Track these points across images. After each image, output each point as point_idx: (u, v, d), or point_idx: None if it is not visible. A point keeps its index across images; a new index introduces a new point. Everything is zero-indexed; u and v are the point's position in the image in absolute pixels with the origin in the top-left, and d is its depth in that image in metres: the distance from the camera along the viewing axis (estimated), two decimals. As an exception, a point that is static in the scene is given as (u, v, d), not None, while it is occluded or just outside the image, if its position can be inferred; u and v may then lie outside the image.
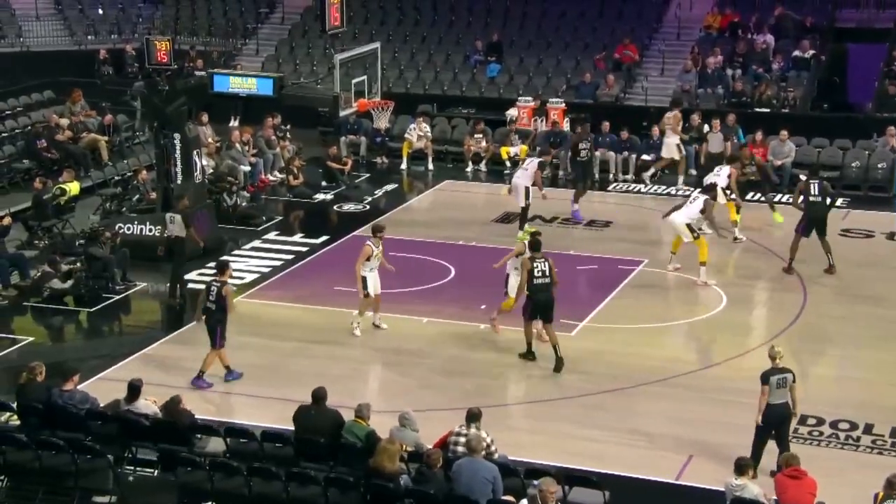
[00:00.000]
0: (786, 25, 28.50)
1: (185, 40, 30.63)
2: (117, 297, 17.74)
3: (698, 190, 19.12)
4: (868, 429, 13.34)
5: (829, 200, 18.40)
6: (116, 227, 19.23)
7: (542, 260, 15.00)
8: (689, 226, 17.93)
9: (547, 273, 14.92)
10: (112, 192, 22.23)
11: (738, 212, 20.16)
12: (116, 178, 23.16)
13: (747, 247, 19.87)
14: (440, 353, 15.84)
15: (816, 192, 18.16)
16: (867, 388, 14.61)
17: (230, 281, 15.17)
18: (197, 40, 31.43)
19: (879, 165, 23.21)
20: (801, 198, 18.32)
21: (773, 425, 12.08)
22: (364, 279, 15.86)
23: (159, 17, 33.13)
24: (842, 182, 23.35)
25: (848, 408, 13.80)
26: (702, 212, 18.05)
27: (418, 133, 25.30)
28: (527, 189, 20.12)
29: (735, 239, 19.99)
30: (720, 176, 19.81)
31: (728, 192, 19.81)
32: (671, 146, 23.63)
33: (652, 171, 24.00)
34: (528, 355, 15.19)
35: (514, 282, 15.69)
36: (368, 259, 15.88)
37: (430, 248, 19.77)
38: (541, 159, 20.97)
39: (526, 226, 20.12)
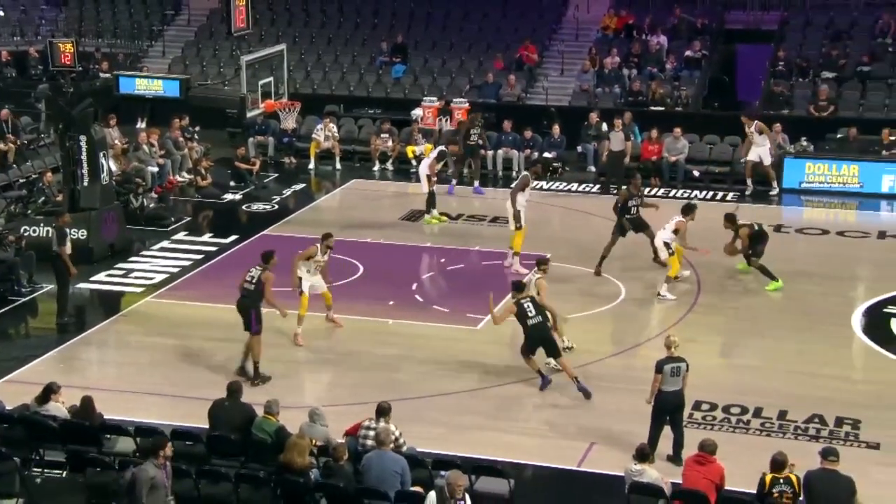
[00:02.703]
0: (680, 27, 29.07)
1: (89, 42, 30.00)
2: (23, 300, 17.33)
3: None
4: (757, 412, 13.71)
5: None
6: (22, 230, 18.77)
7: (528, 299, 14.28)
8: (665, 243, 17.55)
9: (535, 312, 14.12)
10: (17, 194, 21.65)
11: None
12: (22, 180, 22.59)
13: (639, 239, 20.14)
14: (349, 348, 15.81)
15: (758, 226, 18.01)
16: (756, 374, 15.01)
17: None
18: (102, 42, 30.85)
19: (765, 163, 23.76)
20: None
21: (667, 411, 12.35)
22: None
23: (63, 20, 32.41)
24: (732, 177, 23.94)
25: (739, 393, 14.16)
26: (675, 232, 17.55)
27: (325, 133, 25.20)
28: (427, 177, 20.78)
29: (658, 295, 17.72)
30: (666, 230, 17.85)
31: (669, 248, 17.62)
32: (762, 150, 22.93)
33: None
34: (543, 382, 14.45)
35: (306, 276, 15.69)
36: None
37: (339, 246, 19.63)
38: (441, 148, 21.57)
39: (434, 210, 20.45)
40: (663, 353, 12.50)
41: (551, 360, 14.45)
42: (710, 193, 23.45)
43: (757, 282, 18.32)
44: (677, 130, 24.20)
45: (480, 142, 23.37)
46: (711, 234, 18.74)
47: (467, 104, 25.36)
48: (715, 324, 16.80)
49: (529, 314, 14.14)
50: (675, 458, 12.22)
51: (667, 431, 12.41)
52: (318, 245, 15.76)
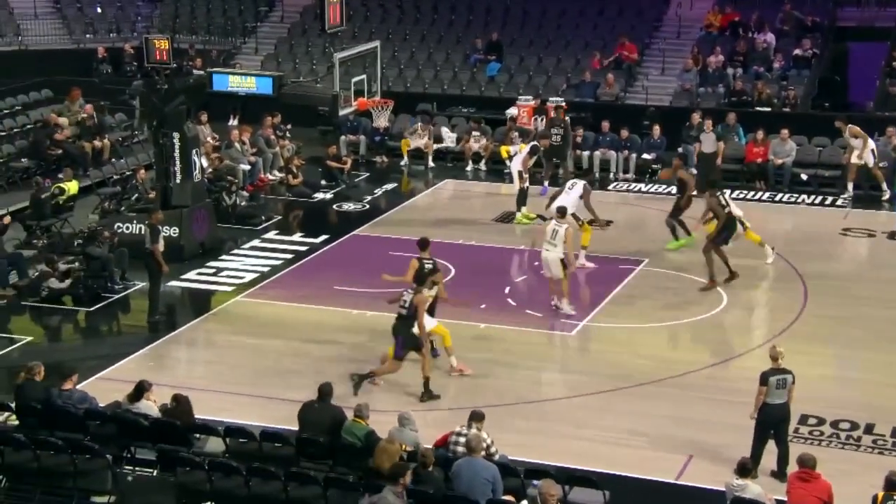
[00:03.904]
0: (788, 24, 28.51)
1: (183, 39, 30.61)
2: (116, 297, 17.73)
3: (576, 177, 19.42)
4: (869, 429, 13.34)
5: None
6: (115, 227, 19.23)
7: (430, 260, 14.68)
8: (573, 214, 18.19)
9: (406, 305, 14.14)
10: (111, 191, 22.22)
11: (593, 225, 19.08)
12: (115, 177, 23.16)
13: (747, 246, 19.82)
14: (442, 352, 15.82)
15: (726, 203, 17.71)
16: (868, 388, 14.61)
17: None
18: (196, 39, 31.43)
19: (880, 164, 23.14)
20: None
21: (771, 425, 12.10)
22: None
23: (158, 16, 33.15)
24: (842, 181, 23.35)
25: (849, 408, 13.80)
26: (581, 197, 18.34)
27: (419, 134, 25.34)
28: (519, 173, 20.77)
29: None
30: (572, 191, 18.61)
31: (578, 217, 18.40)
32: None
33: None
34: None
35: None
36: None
37: (431, 247, 19.71)
38: (534, 143, 21.48)
39: (524, 209, 20.30)
40: (768, 364, 12.24)
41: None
42: (820, 198, 22.93)
43: (872, 290, 17.86)
44: (785, 132, 23.72)
45: (563, 141, 23.07)
46: (818, 239, 18.40)
47: (564, 103, 25.21)
48: (823, 334, 16.39)
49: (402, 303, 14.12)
50: (779, 473, 11.97)
51: (771, 446, 12.15)
52: (421, 257, 15.27)
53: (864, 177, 22.70)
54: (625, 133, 24.71)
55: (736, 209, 18.21)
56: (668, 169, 21.02)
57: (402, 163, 25.32)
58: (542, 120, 25.19)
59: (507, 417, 13.58)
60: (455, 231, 20.81)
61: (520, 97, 26.10)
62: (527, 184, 20.96)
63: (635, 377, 14.76)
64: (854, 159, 22.45)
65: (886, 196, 22.61)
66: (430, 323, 14.68)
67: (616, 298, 17.57)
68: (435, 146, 25.53)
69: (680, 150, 24.74)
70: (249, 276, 18.64)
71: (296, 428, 12.13)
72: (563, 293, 16.77)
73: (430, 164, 25.33)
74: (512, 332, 16.38)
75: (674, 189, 23.37)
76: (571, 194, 18.47)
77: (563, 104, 24.97)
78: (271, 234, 20.89)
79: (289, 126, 25.49)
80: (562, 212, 17.05)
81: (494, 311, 17.03)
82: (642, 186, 23.92)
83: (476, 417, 11.57)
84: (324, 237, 20.59)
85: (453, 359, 14.87)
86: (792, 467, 11.14)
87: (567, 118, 23.72)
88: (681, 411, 13.85)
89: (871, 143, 22.49)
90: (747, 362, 15.05)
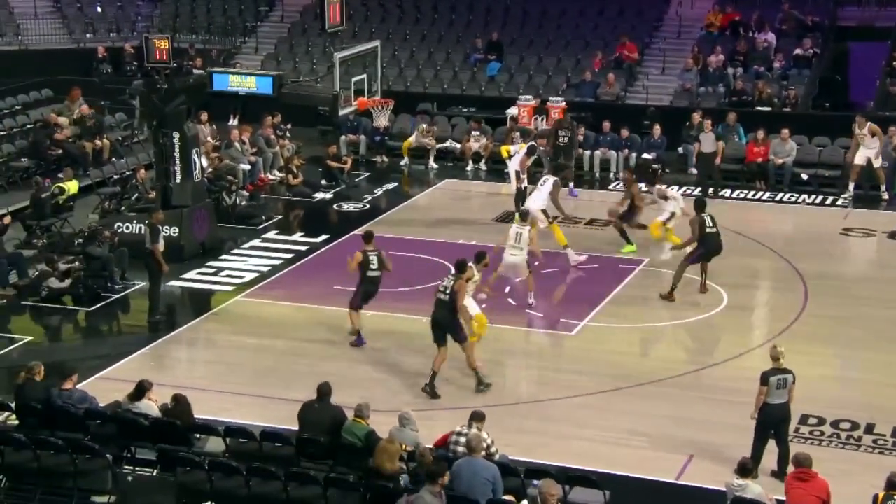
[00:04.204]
0: (788, 24, 28.51)
1: (184, 38, 30.62)
2: (116, 297, 17.74)
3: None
4: (869, 428, 13.35)
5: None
6: (115, 226, 19.23)
7: (452, 279, 14.39)
8: (544, 211, 18.49)
9: (447, 291, 14.21)
10: (111, 191, 22.22)
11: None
12: (115, 177, 23.17)
13: (745, 245, 19.82)
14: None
15: (711, 224, 17.32)
16: (868, 388, 14.62)
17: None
18: (196, 38, 31.43)
19: (875, 165, 23.08)
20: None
21: (772, 425, 12.11)
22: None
23: (158, 16, 33.15)
24: (842, 181, 23.36)
25: (849, 408, 13.81)
26: (550, 194, 18.61)
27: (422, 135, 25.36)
28: (517, 173, 20.83)
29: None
30: (543, 187, 19.06)
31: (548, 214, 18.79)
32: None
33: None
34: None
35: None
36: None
37: (430, 247, 19.78)
38: (532, 143, 21.60)
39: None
40: (768, 363, 12.24)
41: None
42: (820, 198, 22.94)
43: (872, 290, 17.87)
44: (785, 132, 23.72)
45: (570, 143, 23.00)
46: (818, 239, 18.41)
47: (564, 103, 25.21)
48: (824, 334, 16.39)
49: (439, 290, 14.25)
50: (779, 473, 11.97)
51: (771, 446, 12.16)
52: (474, 266, 15.24)
53: (865, 176, 22.70)
54: (625, 132, 24.72)
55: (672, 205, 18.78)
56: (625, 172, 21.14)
57: (402, 162, 25.33)
58: (542, 119, 25.20)
59: (507, 417, 13.59)
60: (455, 231, 20.82)
61: (520, 97, 26.10)
62: (524, 184, 20.90)
63: (635, 377, 14.77)
64: (857, 160, 22.44)
65: (885, 197, 22.60)
66: (473, 308, 14.87)
67: (616, 298, 17.57)
68: (437, 146, 25.55)
69: (680, 149, 24.78)
70: (249, 276, 18.65)
71: (296, 428, 12.14)
72: (530, 288, 17.01)
73: (433, 164, 25.28)
74: (512, 332, 16.39)
75: (674, 189, 23.44)
76: (542, 190, 18.93)
77: (563, 104, 25.00)
78: (271, 234, 20.90)
79: (289, 126, 25.50)
80: (524, 215, 17.11)
81: (494, 311, 17.01)
82: (642, 186, 23.84)
83: (477, 417, 11.58)
84: (324, 237, 20.60)
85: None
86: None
87: (573, 120, 23.67)
88: (681, 411, 13.86)
89: (891, 144, 22.46)
90: (747, 362, 15.05)
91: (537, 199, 18.80)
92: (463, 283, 14.31)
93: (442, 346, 14.31)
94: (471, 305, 14.92)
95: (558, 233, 18.82)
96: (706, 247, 17.24)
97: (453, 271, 14.71)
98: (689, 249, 17.46)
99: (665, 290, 17.34)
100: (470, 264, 14.81)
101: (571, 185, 22.86)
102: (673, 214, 19.11)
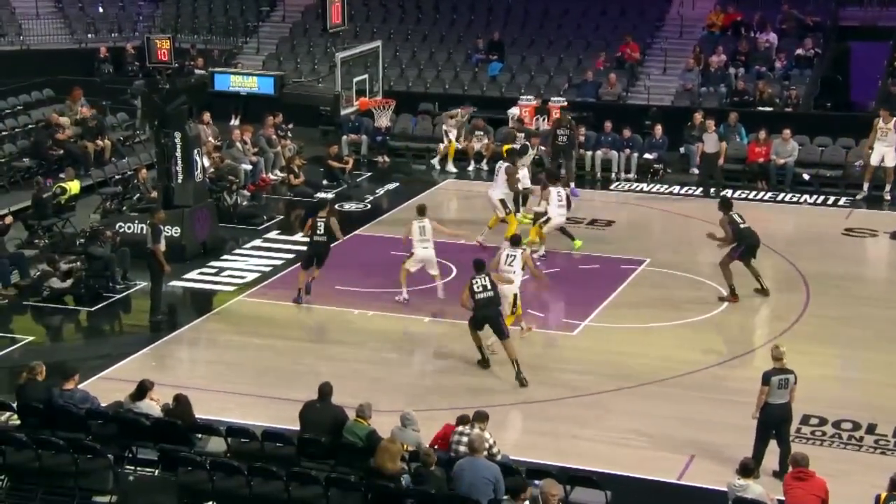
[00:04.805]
0: (788, 24, 28.51)
1: (185, 38, 30.67)
2: (118, 297, 17.74)
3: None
4: (871, 429, 13.34)
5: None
6: (117, 226, 19.25)
7: (484, 276, 14.79)
8: (502, 201, 18.87)
9: (489, 287, 14.71)
10: (112, 190, 22.24)
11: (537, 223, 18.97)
12: (117, 176, 23.18)
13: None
14: (442, 352, 15.85)
15: (742, 220, 17.28)
16: (870, 388, 14.62)
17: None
18: (197, 39, 31.47)
19: (887, 164, 23.09)
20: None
21: (773, 425, 12.11)
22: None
23: (160, 16, 33.19)
24: (845, 181, 23.37)
25: (851, 408, 13.81)
26: (507, 182, 18.95)
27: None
28: (502, 201, 20.38)
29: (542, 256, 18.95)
30: (498, 176, 19.46)
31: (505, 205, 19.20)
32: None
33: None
34: (483, 363, 15.12)
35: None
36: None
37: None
38: (525, 143, 21.84)
39: (522, 209, 20.30)
40: (770, 363, 12.24)
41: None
42: (822, 198, 22.94)
43: (874, 290, 17.86)
44: (787, 132, 23.71)
45: (569, 142, 23.06)
46: (820, 239, 18.40)
47: (565, 103, 25.21)
48: (825, 334, 16.38)
49: (479, 290, 14.65)
50: (781, 473, 11.94)
51: (772, 446, 12.15)
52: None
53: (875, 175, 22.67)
54: (627, 133, 24.71)
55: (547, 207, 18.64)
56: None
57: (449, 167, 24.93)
58: (544, 120, 25.20)
59: (509, 417, 13.59)
60: (456, 231, 20.77)
61: (522, 97, 26.10)
62: (521, 185, 20.71)
63: (637, 377, 14.77)
64: (873, 160, 22.38)
65: (888, 197, 22.58)
66: (512, 288, 15.41)
67: (618, 298, 17.57)
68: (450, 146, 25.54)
69: (682, 150, 24.78)
70: (251, 276, 18.66)
71: (297, 428, 12.14)
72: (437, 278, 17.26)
73: (452, 167, 25.07)
74: (513, 332, 16.37)
75: (676, 189, 23.49)
76: (498, 179, 19.38)
77: (565, 103, 24.99)
78: (273, 234, 20.90)
79: (290, 126, 25.51)
80: (515, 241, 16.26)
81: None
82: (644, 186, 23.91)
83: (479, 418, 11.59)
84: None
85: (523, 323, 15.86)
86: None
87: (572, 119, 23.69)
88: (682, 411, 13.86)
89: None
90: (749, 362, 15.07)
91: (498, 187, 19.23)
92: (497, 275, 15.05)
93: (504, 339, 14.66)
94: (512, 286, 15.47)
95: (513, 225, 18.77)
96: (747, 242, 17.16)
97: (475, 271, 14.91)
98: (725, 249, 17.22)
99: (722, 293, 17.25)
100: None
101: (573, 185, 22.87)
102: (547, 216, 18.92)
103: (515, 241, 16.19)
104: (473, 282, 14.75)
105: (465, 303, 14.87)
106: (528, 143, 22.07)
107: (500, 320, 14.73)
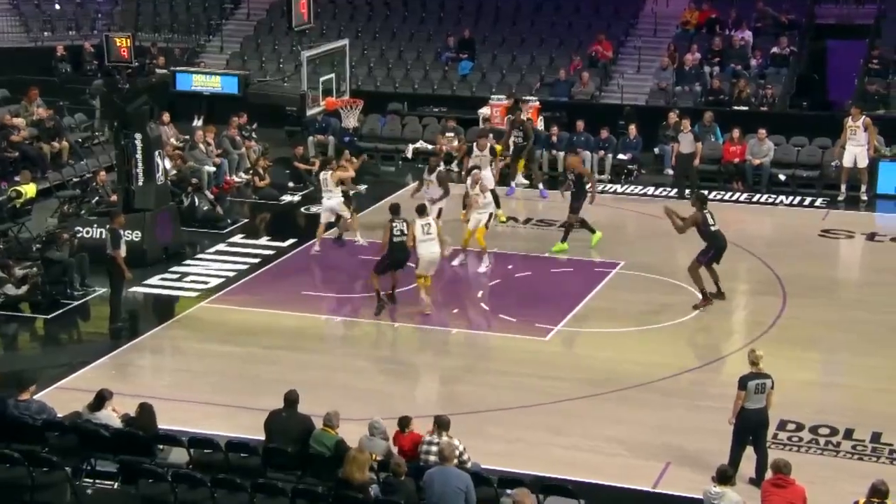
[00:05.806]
0: (765, 22, 28.70)
1: (146, 37, 30.43)
2: (76, 303, 17.60)
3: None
4: (848, 434, 13.43)
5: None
6: (75, 230, 19.10)
7: (402, 220, 16.55)
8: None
9: (405, 231, 16.39)
10: (70, 194, 22.06)
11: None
12: (75, 179, 23.02)
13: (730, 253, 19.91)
14: (411, 358, 15.83)
15: (713, 221, 17.23)
16: (847, 392, 14.73)
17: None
18: (159, 37, 31.27)
19: (860, 165, 23.34)
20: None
21: (750, 430, 12.17)
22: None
23: (119, 13, 32.96)
24: (821, 182, 23.55)
25: (828, 413, 13.90)
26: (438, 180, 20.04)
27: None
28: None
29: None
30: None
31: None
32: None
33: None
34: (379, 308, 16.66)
35: None
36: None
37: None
38: (469, 145, 22.09)
39: (498, 210, 20.27)
40: (747, 368, 12.30)
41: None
42: (798, 199, 23.11)
43: (851, 292, 17.99)
44: (762, 132, 23.87)
45: (524, 143, 22.97)
46: (797, 241, 18.51)
47: (537, 102, 25.24)
48: (802, 338, 16.47)
49: (396, 234, 16.45)
50: (757, 480, 12.01)
51: (749, 452, 12.22)
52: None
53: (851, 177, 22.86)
54: (604, 133, 24.75)
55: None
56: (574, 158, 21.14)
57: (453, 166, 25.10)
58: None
59: (481, 425, 13.59)
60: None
61: (493, 96, 26.13)
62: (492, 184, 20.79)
63: (612, 382, 14.80)
64: (846, 161, 22.55)
65: (864, 198, 22.77)
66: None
67: (591, 302, 17.61)
68: (411, 147, 25.52)
69: (656, 150, 24.88)
70: (215, 281, 18.56)
71: (262, 438, 12.08)
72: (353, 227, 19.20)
73: (455, 167, 24.96)
74: (483, 337, 16.40)
75: (650, 190, 23.58)
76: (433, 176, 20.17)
77: (537, 104, 25.00)
78: (237, 238, 20.80)
79: (255, 126, 25.42)
80: (420, 210, 17.21)
81: (466, 316, 17.04)
82: (618, 188, 24.00)
83: (442, 425, 11.56)
84: (291, 240, 20.52)
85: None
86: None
87: (525, 119, 23.43)
88: (658, 417, 13.90)
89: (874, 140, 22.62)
90: (726, 367, 15.14)
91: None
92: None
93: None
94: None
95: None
96: (716, 246, 17.13)
97: (392, 214, 16.78)
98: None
99: (695, 301, 17.21)
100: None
101: (541, 185, 22.94)
102: (492, 215, 19.33)
103: (420, 210, 17.15)
104: (393, 225, 16.43)
105: (385, 245, 16.53)
106: (474, 144, 21.91)
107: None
